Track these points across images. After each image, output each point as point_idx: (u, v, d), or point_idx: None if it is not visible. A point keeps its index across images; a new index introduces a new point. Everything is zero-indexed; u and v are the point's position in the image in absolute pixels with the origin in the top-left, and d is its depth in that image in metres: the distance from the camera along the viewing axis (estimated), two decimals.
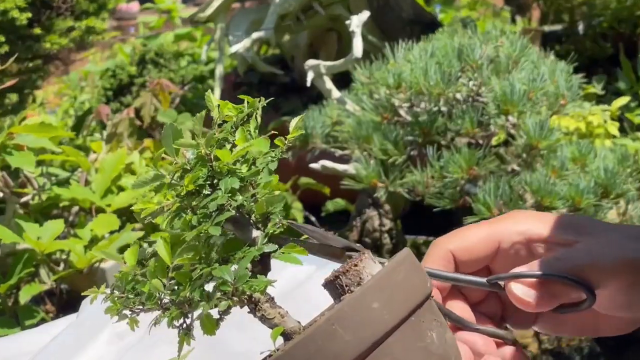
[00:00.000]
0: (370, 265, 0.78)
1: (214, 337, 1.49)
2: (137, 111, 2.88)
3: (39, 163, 2.56)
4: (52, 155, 2.54)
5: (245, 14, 3.62)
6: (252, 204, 0.78)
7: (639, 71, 3.64)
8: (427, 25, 3.32)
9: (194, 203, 0.77)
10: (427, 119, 2.34)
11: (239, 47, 3.24)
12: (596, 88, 3.33)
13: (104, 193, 2.56)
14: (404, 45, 2.43)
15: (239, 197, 0.76)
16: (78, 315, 1.53)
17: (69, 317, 1.59)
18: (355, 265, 0.77)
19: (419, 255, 0.82)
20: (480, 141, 2.33)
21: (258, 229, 0.79)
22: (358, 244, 0.84)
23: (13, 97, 3.17)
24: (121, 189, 2.62)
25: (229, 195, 0.75)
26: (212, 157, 0.77)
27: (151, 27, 5.97)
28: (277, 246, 0.77)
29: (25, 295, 2.29)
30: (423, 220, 2.75)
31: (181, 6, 6.14)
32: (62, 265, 2.48)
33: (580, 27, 3.95)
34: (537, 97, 2.24)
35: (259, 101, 0.80)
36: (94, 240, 2.44)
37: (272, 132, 0.82)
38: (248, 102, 0.81)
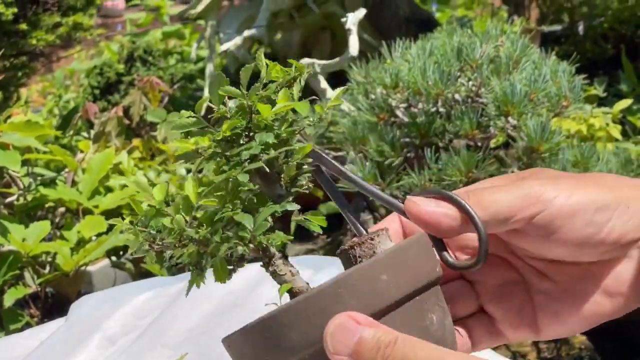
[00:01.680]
0: (386, 242, 0.79)
1: (208, 342, 1.44)
2: (126, 110, 2.82)
3: (24, 162, 2.49)
4: (38, 154, 2.48)
5: (237, 11, 3.57)
6: (284, 164, 0.80)
7: None
8: (423, 24, 3.27)
9: (227, 152, 0.78)
10: (425, 120, 2.28)
11: (230, 45, 3.18)
12: (597, 90, 3.29)
13: (91, 194, 2.50)
14: (401, 44, 2.38)
15: (272, 152, 0.77)
16: (67, 319, 1.48)
17: (57, 321, 1.55)
18: (372, 239, 0.79)
19: None
20: (480, 143, 2.27)
21: (286, 189, 0.81)
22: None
23: None
24: (109, 189, 2.56)
25: (263, 148, 0.77)
26: (253, 110, 0.78)
27: (139, 25, 5.91)
28: (298, 206, 0.79)
29: (9, 299, 2.23)
30: None
31: (169, 3, 6.07)
32: (47, 268, 2.41)
33: (581, 28, 3.90)
34: (538, 98, 2.18)
35: (307, 67, 0.82)
36: (80, 243, 2.38)
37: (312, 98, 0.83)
38: (295, 67, 0.81)
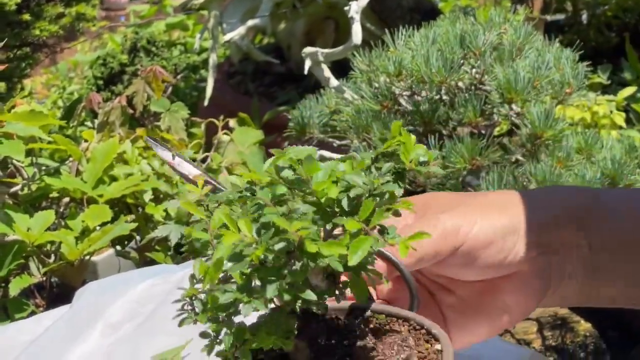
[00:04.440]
0: None
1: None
2: (130, 99, 2.81)
3: (28, 152, 2.49)
4: (42, 144, 2.48)
5: (240, 1, 3.56)
6: None
7: None
8: (427, 14, 3.27)
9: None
10: (429, 108, 2.28)
11: (233, 35, 3.18)
12: (601, 78, 3.28)
13: (95, 183, 2.50)
14: (404, 32, 2.37)
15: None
16: (71, 306, 1.48)
17: (61, 308, 1.55)
18: None
19: None
20: (483, 131, 2.27)
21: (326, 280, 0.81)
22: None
23: (1, 86, 3.11)
24: (113, 178, 2.56)
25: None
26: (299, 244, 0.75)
27: (142, 16, 5.91)
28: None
29: (15, 288, 2.22)
30: None
31: None
32: (52, 257, 2.41)
33: (584, 17, 3.90)
34: (541, 85, 2.18)
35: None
36: (85, 232, 2.38)
37: None
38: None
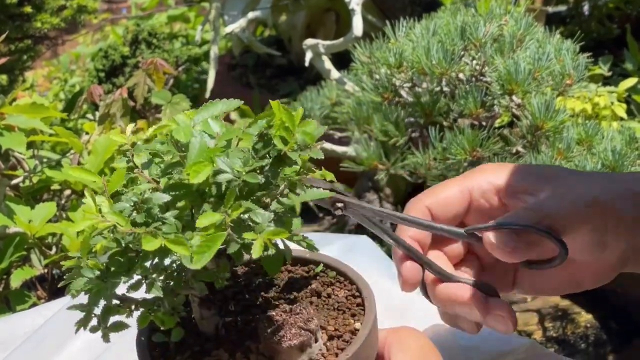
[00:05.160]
0: None
1: None
2: (131, 91, 2.81)
3: (30, 145, 2.49)
4: (44, 136, 2.48)
5: None
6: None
7: None
8: (427, 5, 3.27)
9: None
10: (429, 100, 2.29)
11: (234, 27, 3.17)
12: (602, 69, 3.27)
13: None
14: (405, 23, 2.37)
15: None
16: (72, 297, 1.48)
17: (62, 299, 1.55)
18: None
19: None
20: (484, 122, 2.27)
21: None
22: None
23: (3, 79, 3.11)
24: (114, 171, 2.56)
25: None
26: None
27: (143, 9, 5.90)
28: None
29: (16, 280, 2.23)
30: None
31: None
32: (54, 249, 2.42)
33: (586, 8, 3.89)
34: (542, 76, 2.18)
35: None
36: None
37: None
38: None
